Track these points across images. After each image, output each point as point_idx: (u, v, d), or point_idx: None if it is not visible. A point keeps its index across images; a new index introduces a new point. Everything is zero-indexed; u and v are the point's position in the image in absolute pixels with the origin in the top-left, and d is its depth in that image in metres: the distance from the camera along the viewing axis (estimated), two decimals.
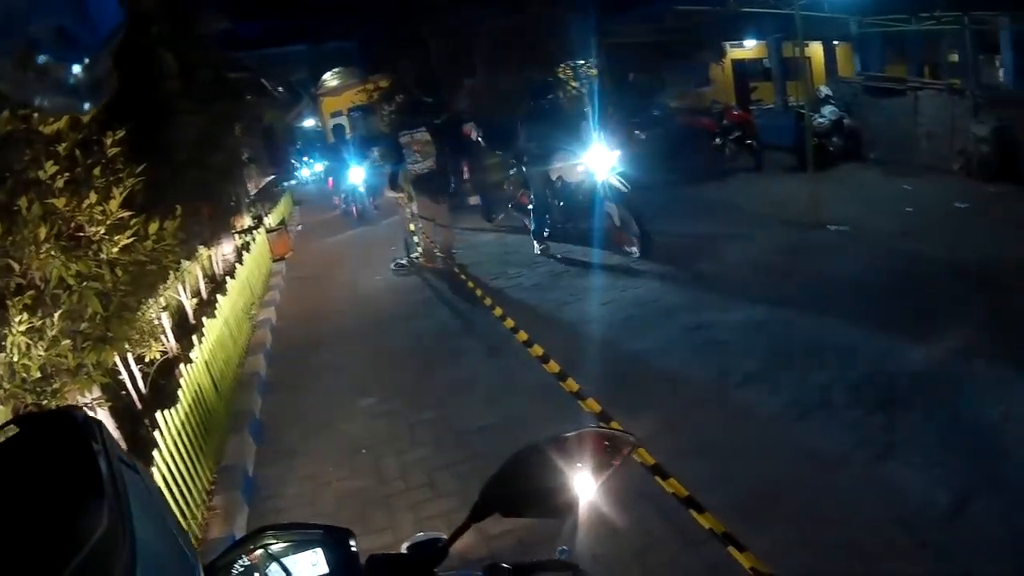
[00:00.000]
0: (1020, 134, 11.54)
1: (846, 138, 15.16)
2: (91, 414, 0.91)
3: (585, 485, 1.54)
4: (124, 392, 6.74)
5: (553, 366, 6.26)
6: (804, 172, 11.88)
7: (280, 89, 26.07)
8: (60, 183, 4.34)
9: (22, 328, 3.89)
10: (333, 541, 1.51)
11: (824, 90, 16.20)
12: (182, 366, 6.27)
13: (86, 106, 0.95)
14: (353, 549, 1.51)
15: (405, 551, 1.54)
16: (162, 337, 7.75)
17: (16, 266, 4.02)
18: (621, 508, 3.79)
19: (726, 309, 7.65)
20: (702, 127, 16.27)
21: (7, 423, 0.95)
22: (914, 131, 13.83)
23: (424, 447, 5.80)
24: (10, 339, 3.87)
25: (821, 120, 14.99)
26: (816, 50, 21.75)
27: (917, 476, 4.34)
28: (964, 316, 6.63)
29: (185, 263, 8.24)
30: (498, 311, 8.21)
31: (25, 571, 0.71)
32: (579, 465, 1.54)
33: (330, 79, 32.82)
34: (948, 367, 5.68)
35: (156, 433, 4.99)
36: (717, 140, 16.04)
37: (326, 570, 1.47)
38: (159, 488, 0.88)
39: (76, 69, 0.86)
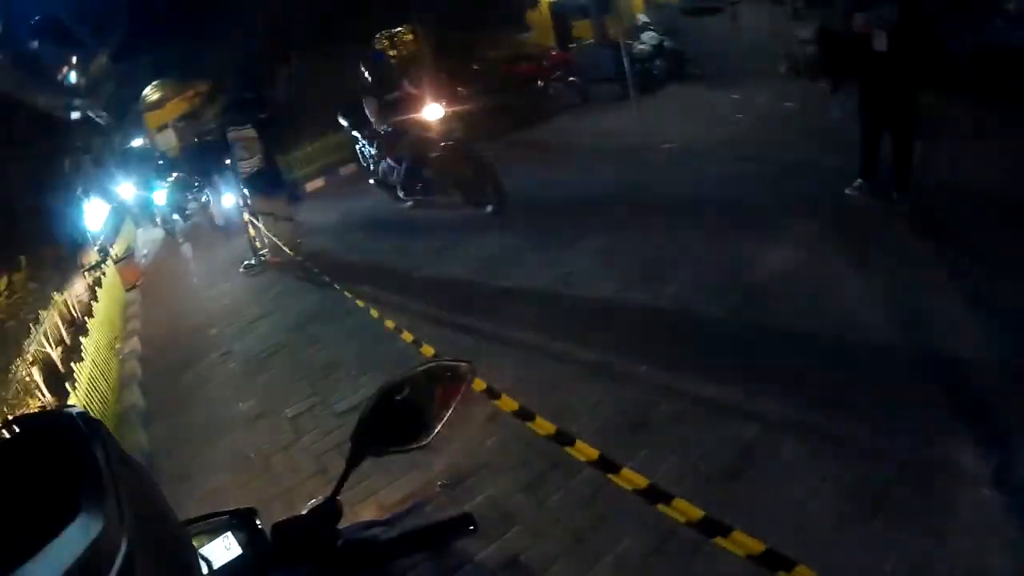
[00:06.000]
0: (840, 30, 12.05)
1: (669, 60, 15.66)
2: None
3: (438, 414, 1.72)
4: None
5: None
6: (628, 99, 12.31)
7: (103, 113, 25.12)
8: None
9: None
10: (239, 522, 1.62)
11: (642, 18, 16.67)
12: None
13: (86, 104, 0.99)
14: (259, 525, 1.63)
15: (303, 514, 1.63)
16: (37, 392, 7.64)
17: None
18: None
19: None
20: (522, 73, 16.55)
21: (7, 423, 0.96)
22: (737, 43, 14.42)
23: (308, 435, 5.90)
24: None
25: (642, 46, 15.46)
26: None
27: None
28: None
29: (42, 313, 8.05)
30: (348, 293, 8.54)
31: (24, 570, 0.72)
32: (429, 396, 1.73)
33: (151, 93, 31.39)
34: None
35: None
36: (539, 83, 16.37)
37: (239, 550, 1.56)
38: (159, 488, 0.91)
39: (76, 70, 0.93)
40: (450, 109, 10.48)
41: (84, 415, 0.98)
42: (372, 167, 12.51)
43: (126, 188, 22.87)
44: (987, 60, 8.69)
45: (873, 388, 4.25)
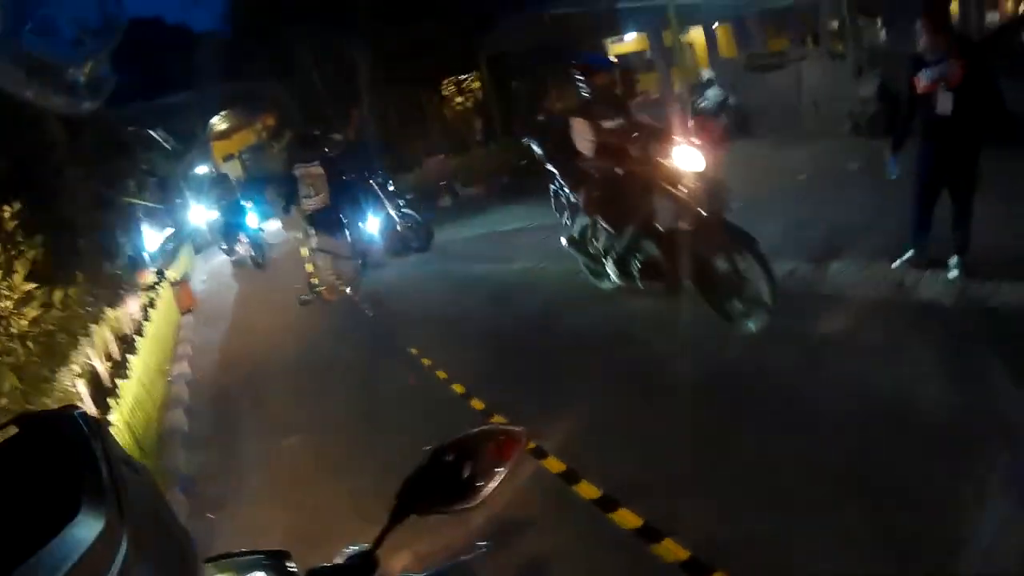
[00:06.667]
0: (902, 88, 11.77)
1: (732, 117, 15.59)
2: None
3: (489, 477, 1.67)
4: None
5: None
6: None
7: (170, 139, 25.65)
8: None
9: None
10: (272, 564, 1.57)
11: (707, 73, 16.68)
12: None
13: (86, 105, 0.97)
14: (292, 569, 1.58)
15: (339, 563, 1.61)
16: (81, 405, 7.64)
17: None
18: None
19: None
20: None
21: (7, 423, 0.97)
22: (800, 101, 14.22)
23: (349, 475, 5.81)
24: None
25: (705, 103, 15.42)
26: (697, 35, 22.41)
27: None
28: None
29: (93, 327, 8.12)
30: (403, 339, 8.48)
31: (24, 570, 0.72)
32: (480, 459, 1.68)
33: (219, 122, 31.87)
34: None
35: None
36: None
37: None
38: (160, 489, 0.90)
39: (77, 69, 0.89)
40: (713, 158, 6.57)
41: (85, 415, 0.98)
42: (568, 219, 8.52)
43: (198, 212, 23.02)
44: None
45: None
